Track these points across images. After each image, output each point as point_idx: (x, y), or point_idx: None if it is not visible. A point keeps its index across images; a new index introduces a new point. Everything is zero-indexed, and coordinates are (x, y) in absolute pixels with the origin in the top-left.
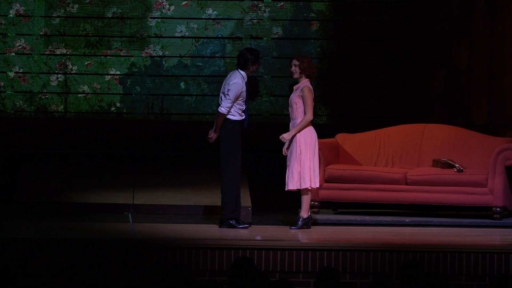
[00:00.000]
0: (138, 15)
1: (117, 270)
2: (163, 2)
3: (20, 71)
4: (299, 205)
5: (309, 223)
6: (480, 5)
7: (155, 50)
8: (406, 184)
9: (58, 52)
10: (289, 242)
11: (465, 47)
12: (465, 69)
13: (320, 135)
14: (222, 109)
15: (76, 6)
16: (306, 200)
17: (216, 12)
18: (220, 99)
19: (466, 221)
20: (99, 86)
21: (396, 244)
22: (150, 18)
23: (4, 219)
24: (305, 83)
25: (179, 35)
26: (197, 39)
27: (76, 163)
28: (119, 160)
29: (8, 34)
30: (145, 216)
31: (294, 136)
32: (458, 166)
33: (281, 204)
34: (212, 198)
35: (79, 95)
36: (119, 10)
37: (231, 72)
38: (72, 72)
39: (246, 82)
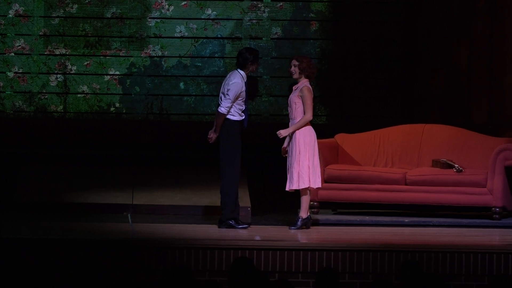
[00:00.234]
0: (137, 15)
1: (117, 270)
2: (162, 2)
3: (20, 71)
4: (298, 205)
5: (309, 223)
6: (480, 5)
7: (154, 50)
8: (406, 184)
9: (57, 52)
10: (288, 242)
11: (465, 47)
12: (465, 69)
13: (319, 135)
14: (222, 109)
15: (75, 6)
16: (305, 200)
17: (215, 12)
18: (219, 99)
19: (465, 221)
20: (98, 86)
21: (395, 244)
22: (150, 18)
23: (4, 219)
24: (304, 83)
25: (178, 35)
26: (196, 39)
27: (75, 163)
28: (118, 160)
29: (8, 34)
30: (145, 216)
31: (293, 136)
32: (457, 166)
33: (280, 204)
34: (211, 198)
35: (79, 95)
36: (119, 10)
37: (230, 72)
38: (72, 72)
39: (245, 82)
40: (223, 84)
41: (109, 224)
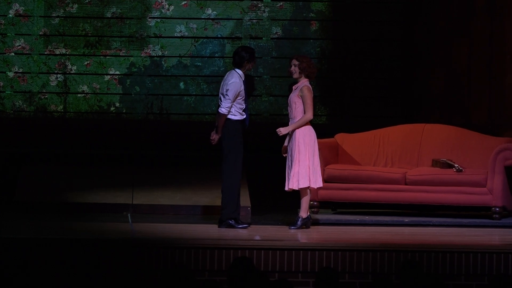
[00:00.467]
0: (137, 15)
1: (117, 270)
2: (162, 2)
3: (20, 71)
4: (298, 205)
5: (308, 223)
6: (480, 5)
7: (154, 50)
8: (405, 184)
9: (57, 52)
10: (288, 242)
11: (465, 47)
12: (465, 69)
13: (319, 135)
14: (223, 109)
15: (75, 6)
16: (305, 200)
17: (215, 12)
18: (219, 100)
19: (465, 221)
20: (98, 86)
21: (395, 244)
22: (150, 18)
23: (4, 219)
24: (304, 82)
25: (178, 35)
26: (196, 39)
27: (75, 163)
28: (118, 160)
29: (8, 34)
30: (145, 216)
31: (293, 136)
32: (457, 166)
33: (280, 204)
34: (211, 198)
35: (79, 95)
36: (119, 10)
37: (228, 72)
38: (72, 72)
39: (243, 81)
40: (221, 85)
41: (109, 224)
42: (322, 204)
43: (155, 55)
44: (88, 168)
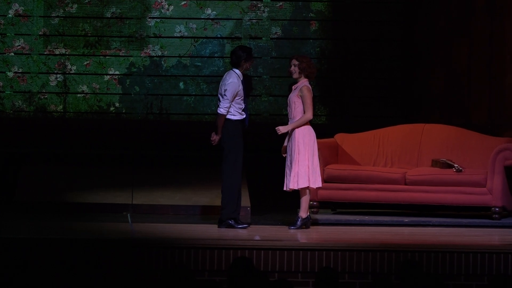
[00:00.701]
0: (137, 15)
1: (117, 270)
2: (162, 2)
3: (19, 71)
4: (298, 205)
5: (308, 223)
6: (480, 5)
7: (154, 50)
8: (405, 184)
9: (57, 52)
10: (288, 242)
11: (465, 47)
12: (465, 69)
13: (319, 135)
14: (221, 109)
15: (75, 6)
16: (305, 200)
17: (215, 12)
18: (218, 101)
19: (465, 221)
20: (98, 86)
21: (395, 244)
22: (149, 18)
23: (4, 219)
24: (304, 82)
25: (178, 35)
26: (196, 39)
27: (75, 163)
28: (118, 160)
29: (7, 34)
30: (144, 216)
31: (292, 136)
32: (457, 166)
33: (280, 204)
34: (211, 198)
35: (78, 95)
36: (118, 10)
37: (226, 73)
38: (71, 72)
39: (242, 81)
40: (220, 85)
41: (108, 224)
42: (321, 204)
43: (155, 55)
44: (88, 168)
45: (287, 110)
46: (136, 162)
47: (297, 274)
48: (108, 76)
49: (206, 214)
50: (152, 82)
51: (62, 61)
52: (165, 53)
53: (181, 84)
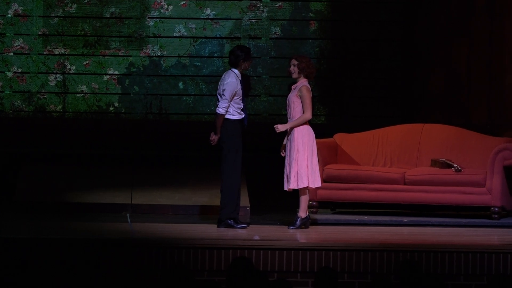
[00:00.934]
0: (136, 15)
1: (116, 270)
2: (161, 2)
3: (19, 71)
4: (297, 205)
5: (307, 223)
6: (480, 5)
7: (153, 50)
8: (404, 184)
9: (56, 52)
10: (287, 242)
11: (465, 47)
12: (465, 69)
13: (318, 135)
14: (220, 109)
15: (74, 6)
16: (304, 200)
17: (214, 12)
18: (217, 101)
19: (464, 221)
20: (97, 86)
21: (394, 244)
22: (149, 18)
23: (4, 219)
24: (303, 82)
25: (177, 35)
26: (195, 39)
27: (75, 163)
28: (117, 160)
29: (7, 34)
30: (144, 216)
31: (291, 136)
32: (456, 166)
33: (279, 204)
34: (210, 198)
35: (78, 95)
36: (118, 10)
37: (225, 73)
38: (71, 72)
39: (240, 80)
40: (218, 85)
41: (108, 224)
42: (321, 204)
43: (154, 55)
44: (88, 168)
45: (286, 110)
46: (136, 162)
47: (297, 274)
48: (108, 76)
49: (205, 214)
50: (151, 82)
51: (62, 61)
52: (165, 53)
53: (181, 84)
